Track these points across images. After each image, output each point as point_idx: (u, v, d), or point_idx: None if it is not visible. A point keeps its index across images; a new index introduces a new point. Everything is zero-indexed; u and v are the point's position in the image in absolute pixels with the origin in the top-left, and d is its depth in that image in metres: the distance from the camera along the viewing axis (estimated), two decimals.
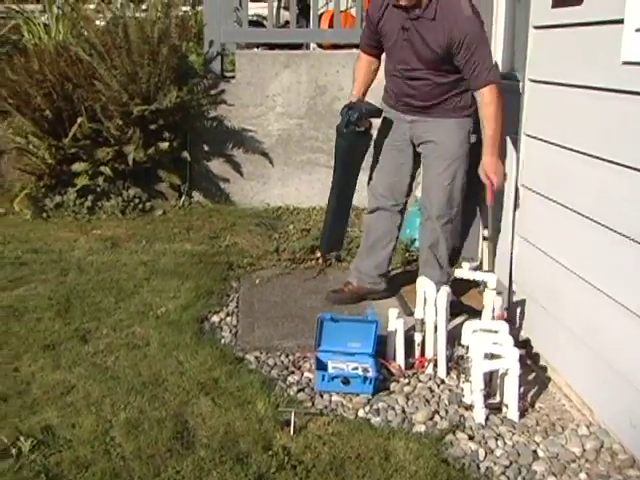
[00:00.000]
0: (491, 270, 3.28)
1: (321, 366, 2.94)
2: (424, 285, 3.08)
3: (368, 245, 3.73)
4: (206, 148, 5.57)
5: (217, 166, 5.60)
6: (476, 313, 3.21)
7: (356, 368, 2.91)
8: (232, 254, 4.44)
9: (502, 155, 3.34)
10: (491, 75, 3.16)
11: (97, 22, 6.28)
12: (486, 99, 3.18)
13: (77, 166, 5.23)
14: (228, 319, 3.56)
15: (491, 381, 2.83)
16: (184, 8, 6.83)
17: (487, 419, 2.67)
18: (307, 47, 7.01)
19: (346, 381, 2.85)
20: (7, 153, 5.53)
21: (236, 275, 4.12)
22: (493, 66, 3.21)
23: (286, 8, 9.36)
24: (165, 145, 5.24)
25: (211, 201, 5.59)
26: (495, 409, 2.73)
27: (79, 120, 5.15)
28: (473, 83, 3.21)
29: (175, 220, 5.19)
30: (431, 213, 3.49)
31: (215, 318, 3.55)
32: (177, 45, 5.51)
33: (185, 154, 5.35)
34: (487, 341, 2.76)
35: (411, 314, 3.21)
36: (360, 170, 3.56)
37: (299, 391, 2.87)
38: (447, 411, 2.74)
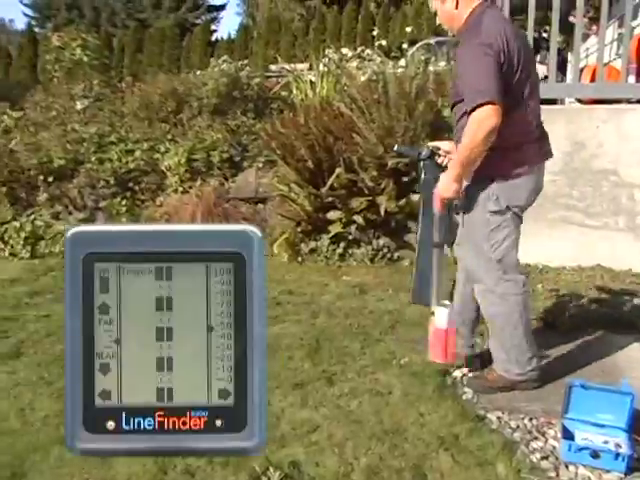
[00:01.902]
0: None
1: (567, 435, 2.78)
2: None
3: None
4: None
5: None
6: None
7: (606, 442, 2.71)
8: None
9: (460, 178, 3.10)
10: (478, 98, 2.95)
11: (359, 78, 6.64)
12: (470, 120, 2.99)
13: (332, 214, 5.51)
14: (470, 375, 3.50)
15: None
16: (441, 64, 6.99)
17: None
18: (562, 102, 6.81)
19: (595, 455, 2.66)
20: (271, 200, 6.00)
21: (479, 330, 4.05)
22: (484, 90, 2.97)
23: (542, 63, 9.19)
24: (416, 197, 5.34)
25: None
26: None
27: (337, 171, 5.44)
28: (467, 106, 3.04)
29: None
30: None
31: (457, 373, 3.51)
32: (433, 101, 5.64)
33: None
34: None
35: None
36: None
37: (543, 458, 2.73)
38: None
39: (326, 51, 8.55)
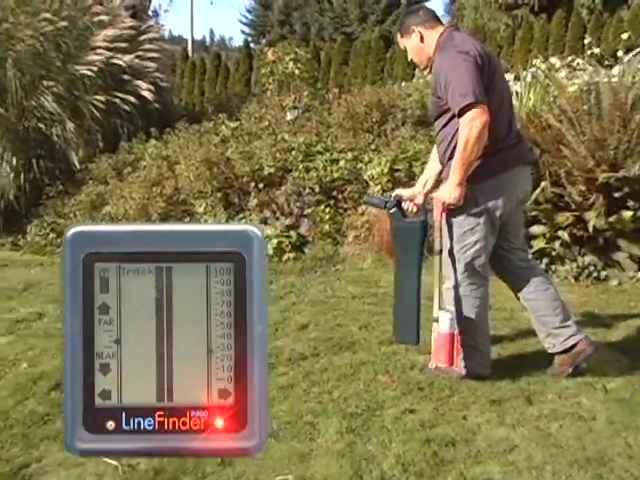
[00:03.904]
0: None
1: None
2: None
3: None
4: None
5: None
6: None
7: None
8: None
9: (463, 182, 3.21)
10: (465, 100, 3.10)
11: (569, 89, 6.38)
12: (460, 123, 3.14)
13: (536, 229, 5.34)
14: None
15: None
16: None
17: None
18: None
19: None
20: None
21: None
22: (468, 92, 3.11)
23: None
24: (628, 214, 5.05)
25: None
26: None
27: (543, 184, 5.27)
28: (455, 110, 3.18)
29: (632, 293, 4.94)
30: None
31: None
32: None
33: None
34: None
35: None
36: None
37: None
38: None
39: (533, 61, 8.30)
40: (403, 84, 8.59)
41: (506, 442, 2.87)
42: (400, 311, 3.65)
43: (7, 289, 5.25)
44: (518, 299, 3.64)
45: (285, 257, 5.98)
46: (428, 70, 3.63)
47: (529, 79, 7.22)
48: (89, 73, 7.84)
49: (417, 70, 9.88)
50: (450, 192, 3.25)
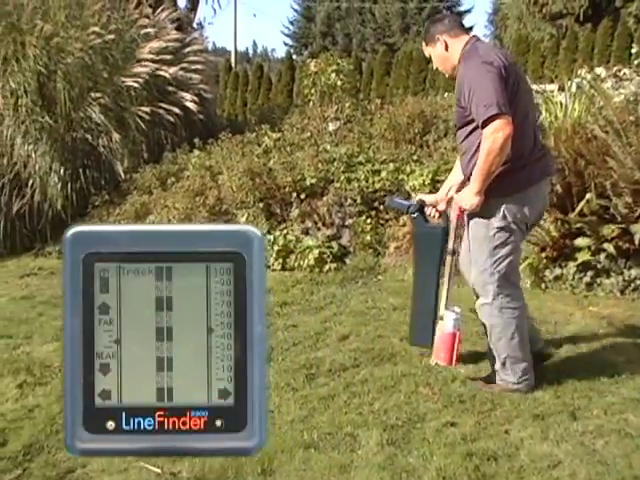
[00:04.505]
0: None
1: None
2: None
3: None
4: None
5: None
6: None
7: None
8: None
9: (482, 191, 3.26)
10: (489, 111, 3.13)
11: (615, 99, 6.29)
12: (484, 134, 3.17)
13: (580, 241, 5.26)
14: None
15: None
16: None
17: None
18: None
19: None
20: None
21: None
22: (493, 103, 3.13)
23: None
24: None
25: None
26: None
27: (588, 196, 5.20)
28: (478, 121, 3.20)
29: None
30: None
31: None
32: None
33: None
34: None
35: None
36: None
37: None
38: None
39: (578, 71, 8.20)
40: (445, 95, 8.55)
41: (550, 458, 2.83)
42: (417, 315, 3.80)
43: (54, 297, 5.35)
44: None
45: (326, 268, 5.98)
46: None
47: (574, 89, 7.13)
48: (135, 85, 7.96)
49: None
50: (469, 199, 3.32)
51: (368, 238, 6.13)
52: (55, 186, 7.64)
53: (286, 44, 35.23)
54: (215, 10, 23.44)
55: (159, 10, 9.14)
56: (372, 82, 14.98)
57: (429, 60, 3.78)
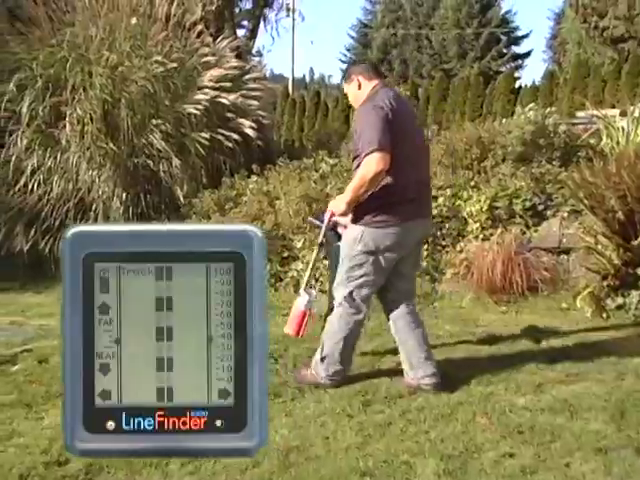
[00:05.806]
0: None
1: None
2: None
3: None
4: None
5: None
6: None
7: None
8: None
9: (351, 203, 3.69)
10: (370, 146, 3.56)
11: None
12: (363, 161, 3.60)
13: None
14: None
15: None
16: None
17: None
18: None
19: None
20: (575, 251, 5.76)
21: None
22: (375, 140, 3.56)
23: None
24: None
25: None
26: None
27: None
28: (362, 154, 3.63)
29: None
30: None
31: None
32: None
33: None
34: None
35: None
36: None
37: None
38: None
39: None
40: (503, 120, 8.48)
41: None
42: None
43: None
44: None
45: None
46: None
47: (637, 114, 7.00)
48: (195, 111, 8.14)
49: (518, 106, 9.76)
50: (339, 205, 3.79)
51: (425, 264, 6.09)
52: (117, 210, 7.84)
53: (343, 70, 35.50)
54: (274, 38, 23.86)
55: (219, 39, 9.34)
56: (429, 108, 14.96)
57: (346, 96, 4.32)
